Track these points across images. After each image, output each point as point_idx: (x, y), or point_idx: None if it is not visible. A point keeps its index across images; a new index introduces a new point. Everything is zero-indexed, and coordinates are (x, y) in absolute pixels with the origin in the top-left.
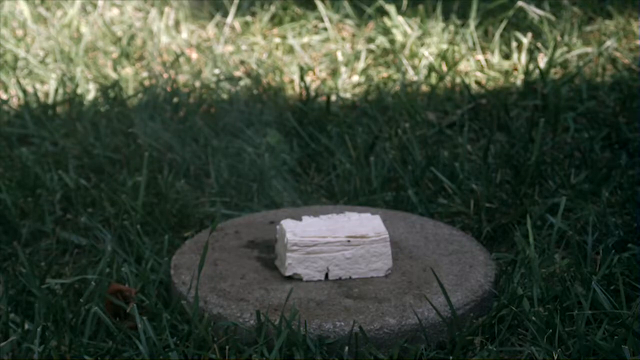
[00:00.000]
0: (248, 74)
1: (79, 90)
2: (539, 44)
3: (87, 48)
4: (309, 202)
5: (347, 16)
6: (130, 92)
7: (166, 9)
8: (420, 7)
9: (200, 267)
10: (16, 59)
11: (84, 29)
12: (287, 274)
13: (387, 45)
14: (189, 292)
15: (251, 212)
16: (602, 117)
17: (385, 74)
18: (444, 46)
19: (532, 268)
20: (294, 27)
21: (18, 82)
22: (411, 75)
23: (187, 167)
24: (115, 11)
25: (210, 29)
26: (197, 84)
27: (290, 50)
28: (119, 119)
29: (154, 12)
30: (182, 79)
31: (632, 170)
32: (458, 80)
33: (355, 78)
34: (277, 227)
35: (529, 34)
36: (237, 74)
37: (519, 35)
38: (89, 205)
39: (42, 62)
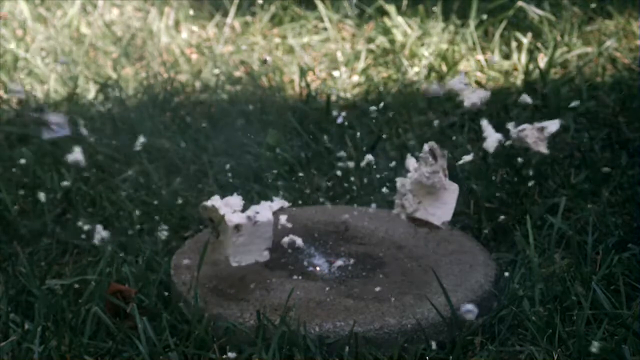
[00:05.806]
0: (248, 74)
1: (79, 90)
2: (539, 44)
3: (87, 48)
4: (308, 202)
5: (347, 16)
6: (130, 92)
7: (166, 9)
8: (420, 7)
9: (199, 267)
10: (16, 59)
11: (84, 29)
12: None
13: (387, 45)
14: (189, 292)
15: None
16: (602, 117)
17: (385, 74)
18: (444, 46)
19: (532, 268)
20: (294, 27)
21: (18, 82)
22: (411, 75)
23: (187, 167)
24: (115, 11)
25: (210, 29)
26: (197, 84)
27: (291, 50)
28: (119, 118)
29: (154, 12)
30: (182, 78)
31: (632, 170)
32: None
33: (355, 78)
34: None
35: (529, 34)
36: (237, 74)
37: (519, 35)
38: (89, 205)
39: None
